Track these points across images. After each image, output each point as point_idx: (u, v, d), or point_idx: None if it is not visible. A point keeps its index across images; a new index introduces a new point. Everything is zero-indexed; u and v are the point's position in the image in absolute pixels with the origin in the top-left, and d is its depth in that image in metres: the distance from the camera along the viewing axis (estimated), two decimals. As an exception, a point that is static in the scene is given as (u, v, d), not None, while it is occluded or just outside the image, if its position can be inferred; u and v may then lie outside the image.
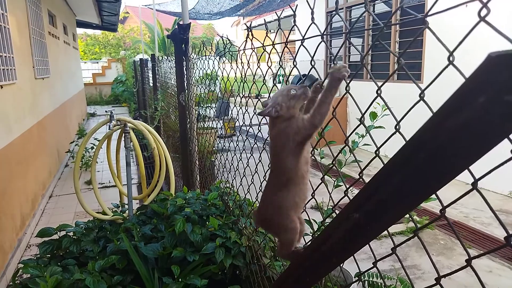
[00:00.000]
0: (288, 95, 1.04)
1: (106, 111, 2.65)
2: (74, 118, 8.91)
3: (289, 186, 1.09)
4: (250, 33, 1.66)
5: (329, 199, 1.65)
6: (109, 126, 2.50)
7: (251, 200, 2.14)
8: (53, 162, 5.84)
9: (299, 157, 1.05)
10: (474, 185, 0.66)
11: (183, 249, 1.86)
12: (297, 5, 1.43)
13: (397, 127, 0.82)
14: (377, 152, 0.89)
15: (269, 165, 1.18)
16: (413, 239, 1.80)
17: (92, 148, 5.80)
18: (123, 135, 2.56)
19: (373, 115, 1.88)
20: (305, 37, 1.20)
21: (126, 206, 2.58)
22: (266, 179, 1.68)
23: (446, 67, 0.64)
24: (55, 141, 6.16)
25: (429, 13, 0.64)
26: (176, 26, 3.05)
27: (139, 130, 2.56)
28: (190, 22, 3.16)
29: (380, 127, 1.92)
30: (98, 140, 3.82)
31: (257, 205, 2.06)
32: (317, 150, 2.09)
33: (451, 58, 0.63)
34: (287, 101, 1.03)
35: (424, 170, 0.70)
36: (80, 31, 17.80)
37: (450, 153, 0.64)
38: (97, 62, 18.95)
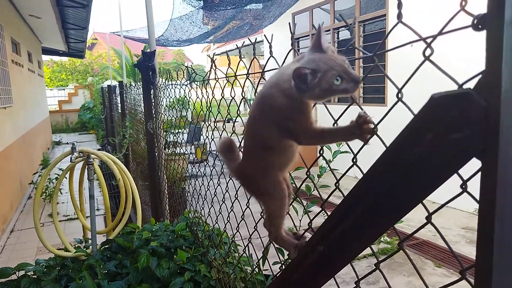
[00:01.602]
0: (333, 81, 0.78)
1: (67, 143, 2.57)
2: (38, 147, 8.59)
3: (272, 150, 0.96)
4: (213, 64, 1.67)
5: (300, 224, 1.64)
6: (71, 158, 2.41)
7: (220, 230, 2.10)
8: (15, 194, 5.57)
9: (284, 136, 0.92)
10: (428, 218, 0.67)
11: (149, 285, 1.78)
12: (266, 35, 1.45)
13: (354, 160, 0.82)
14: (337, 185, 0.89)
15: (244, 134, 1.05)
16: (383, 262, 1.81)
17: (57, 178, 5.59)
18: (86, 166, 2.47)
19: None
20: (264, 70, 1.21)
21: (90, 241, 2.46)
22: (233, 206, 1.66)
23: (395, 104, 0.66)
24: (18, 172, 5.90)
25: (377, 52, 0.67)
26: (142, 55, 3.03)
27: (103, 161, 2.49)
28: (155, 50, 3.15)
29: (345, 152, 1.95)
30: (62, 170, 3.69)
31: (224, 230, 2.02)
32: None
33: (399, 95, 0.65)
34: (329, 84, 0.78)
35: (381, 204, 0.70)
36: (46, 57, 17.43)
37: (404, 188, 0.65)
38: (64, 89, 18.53)
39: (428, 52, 0.58)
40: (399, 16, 0.63)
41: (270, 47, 1.17)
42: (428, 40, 0.58)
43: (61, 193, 5.25)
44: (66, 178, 2.84)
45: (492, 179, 0.48)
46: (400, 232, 4.27)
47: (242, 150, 1.09)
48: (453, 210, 4.83)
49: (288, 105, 0.85)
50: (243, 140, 1.12)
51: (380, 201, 0.69)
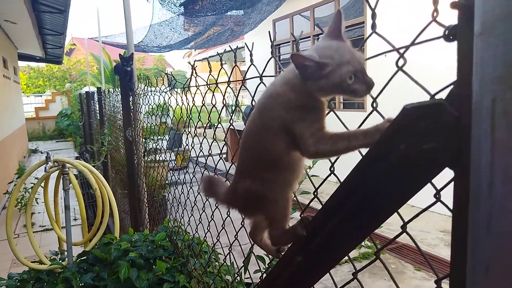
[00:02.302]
0: (345, 80, 0.68)
1: (41, 152, 2.49)
2: (14, 156, 8.34)
3: (277, 165, 0.84)
4: (193, 71, 1.65)
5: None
6: (45, 168, 2.35)
7: (200, 239, 2.07)
8: (-12, 204, 5.38)
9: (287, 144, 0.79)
10: (404, 228, 0.67)
11: (127, 297, 1.74)
12: (247, 41, 1.44)
13: (332, 168, 0.82)
14: (315, 193, 0.89)
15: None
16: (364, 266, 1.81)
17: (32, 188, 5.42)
18: (62, 176, 2.41)
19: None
20: (245, 78, 1.20)
21: (66, 253, 2.39)
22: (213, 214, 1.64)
23: (370, 113, 0.66)
24: (-9, 182, 5.71)
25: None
26: (119, 59, 2.99)
27: (79, 170, 2.43)
28: (133, 53, 3.11)
29: (315, 175, 1.96)
30: (38, 179, 3.59)
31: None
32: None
33: (374, 105, 0.65)
34: (340, 79, 0.68)
35: (357, 214, 0.70)
36: (22, 64, 17.03)
37: (380, 197, 0.65)
38: (41, 96, 18.11)
39: (401, 62, 0.59)
40: (373, 26, 0.64)
41: (251, 55, 1.17)
42: (401, 51, 0.58)
43: (37, 203, 5.10)
44: (41, 187, 2.76)
45: (464, 189, 0.48)
46: (380, 236, 4.30)
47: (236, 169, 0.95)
48: (432, 213, 4.92)
49: (298, 102, 0.74)
50: (237, 154, 1.03)
51: (357, 210, 0.69)
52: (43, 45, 10.04)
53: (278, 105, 0.77)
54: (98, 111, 6.07)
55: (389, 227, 4.02)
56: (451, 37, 0.49)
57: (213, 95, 1.53)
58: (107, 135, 5.05)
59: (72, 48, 23.66)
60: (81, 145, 10.88)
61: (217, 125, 1.55)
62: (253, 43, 1.14)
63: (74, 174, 2.68)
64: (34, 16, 6.83)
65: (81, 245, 2.83)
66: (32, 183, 5.15)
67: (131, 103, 3.12)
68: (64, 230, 2.59)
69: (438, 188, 0.59)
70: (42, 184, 2.68)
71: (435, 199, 0.59)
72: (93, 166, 5.67)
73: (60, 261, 2.30)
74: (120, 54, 3.01)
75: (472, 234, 0.47)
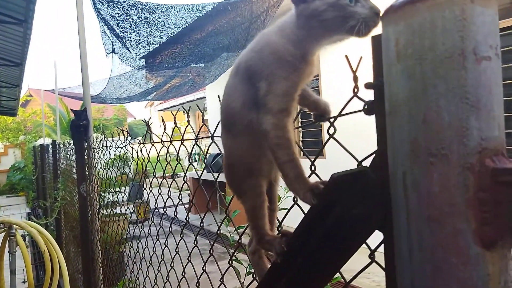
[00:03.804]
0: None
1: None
2: (-44, 214, 7.72)
3: (237, 130, 0.73)
4: (148, 128, 1.67)
5: (241, 284, 1.59)
6: (-11, 230, 2.20)
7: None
8: None
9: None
10: (372, 257, 0.66)
11: None
12: (208, 92, 1.48)
13: (295, 199, 0.82)
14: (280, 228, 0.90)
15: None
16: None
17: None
18: (8, 238, 2.26)
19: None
20: (197, 137, 1.23)
21: (9, 323, 2.19)
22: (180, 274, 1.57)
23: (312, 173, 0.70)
24: None
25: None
26: (72, 114, 2.95)
27: (28, 231, 2.29)
28: (85, 108, 3.08)
29: (284, 209, 1.98)
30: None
31: None
32: (228, 232, 2.06)
33: (312, 168, 0.69)
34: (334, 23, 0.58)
35: (305, 272, 0.71)
36: (-28, 115, 16.26)
37: (323, 256, 0.67)
38: (-8, 149, 17.22)
39: (331, 130, 0.63)
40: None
41: (203, 115, 1.20)
42: (331, 120, 0.63)
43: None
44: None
45: (391, 252, 0.51)
46: (341, 283, 4.27)
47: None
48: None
49: (281, 49, 0.63)
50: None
51: (302, 271, 0.70)
52: (-4, 97, 9.71)
53: (257, 44, 0.67)
54: (52, 165, 5.84)
55: (351, 274, 4.00)
56: (369, 112, 0.54)
57: (168, 147, 1.54)
58: (60, 190, 4.83)
59: (28, 99, 23.02)
60: (33, 200, 10.29)
61: (174, 175, 1.55)
62: (204, 104, 1.18)
63: (22, 235, 2.52)
64: (-12, 69, 6.67)
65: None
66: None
67: (86, 158, 3.04)
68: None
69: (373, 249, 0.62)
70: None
71: (369, 260, 0.62)
72: (46, 223, 5.35)
73: (1, 334, 2.10)
74: (71, 110, 2.98)
75: (401, 295, 0.49)
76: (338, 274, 0.73)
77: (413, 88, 0.43)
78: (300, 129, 6.65)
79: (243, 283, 1.34)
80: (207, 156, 8.01)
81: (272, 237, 0.78)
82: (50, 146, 5.97)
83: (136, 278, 2.02)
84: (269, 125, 0.62)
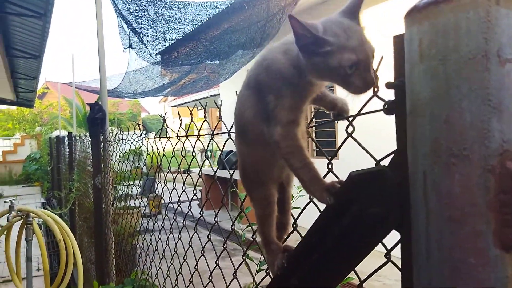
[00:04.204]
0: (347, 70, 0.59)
1: (5, 201, 2.41)
2: (-26, 202, 7.92)
3: (249, 139, 0.77)
4: (164, 123, 1.69)
5: (253, 281, 1.60)
6: (8, 217, 2.26)
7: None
8: None
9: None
10: (388, 256, 0.66)
11: None
12: (222, 90, 1.50)
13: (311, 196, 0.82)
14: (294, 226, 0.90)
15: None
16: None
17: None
18: (25, 226, 2.31)
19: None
20: (214, 133, 1.24)
21: (24, 309, 2.25)
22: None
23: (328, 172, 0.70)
24: None
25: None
26: (89, 112, 3.00)
27: (44, 220, 2.34)
28: (100, 103, 3.13)
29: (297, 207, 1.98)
30: (1, 227, 3.41)
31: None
32: (240, 230, 2.07)
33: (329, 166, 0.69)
34: (339, 64, 0.58)
35: (319, 270, 0.72)
36: (-9, 106, 16.67)
37: (339, 254, 0.67)
38: (9, 139, 17.60)
39: (350, 129, 0.64)
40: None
41: (220, 111, 1.22)
42: (350, 119, 0.64)
43: (-4, 253, 4.81)
44: (4, 234, 2.63)
45: (408, 252, 0.51)
46: (352, 285, 4.25)
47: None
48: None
49: (285, 70, 0.65)
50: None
51: (316, 268, 0.71)
52: (14, 88, 9.90)
53: (264, 60, 0.70)
54: (67, 156, 5.94)
55: (362, 277, 3.98)
56: (389, 111, 0.54)
57: (184, 142, 1.56)
58: (75, 181, 4.91)
59: (45, 92, 23.42)
60: (48, 191, 10.48)
61: (189, 170, 1.57)
62: (221, 100, 1.19)
63: (38, 224, 2.58)
64: (7, 61, 6.81)
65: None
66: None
67: (101, 150, 3.09)
68: (25, 282, 2.45)
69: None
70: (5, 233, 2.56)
71: (385, 259, 0.62)
72: (60, 213, 5.46)
73: (17, 319, 2.15)
74: (87, 104, 3.03)
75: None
76: (349, 275, 0.74)
77: (436, 89, 0.43)
78: (314, 129, 6.62)
79: (254, 278, 1.36)
80: (219, 153, 8.04)
81: (276, 247, 0.82)
82: (66, 138, 6.08)
83: (149, 270, 2.05)
84: (279, 136, 0.65)
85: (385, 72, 0.61)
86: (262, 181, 0.79)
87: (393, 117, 0.55)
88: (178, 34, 4.62)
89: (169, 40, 4.66)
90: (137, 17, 4.17)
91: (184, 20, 4.47)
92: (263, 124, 0.69)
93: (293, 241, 0.87)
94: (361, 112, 0.63)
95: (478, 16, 0.42)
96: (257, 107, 0.70)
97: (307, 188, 0.64)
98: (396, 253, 0.61)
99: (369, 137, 0.71)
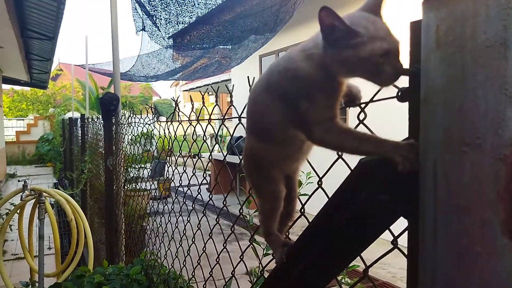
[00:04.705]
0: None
1: (19, 180, 2.45)
2: (-11, 180, 8.11)
3: (270, 140, 0.78)
4: (177, 107, 1.70)
5: (259, 265, 1.62)
6: (22, 196, 2.31)
7: (177, 273, 2.04)
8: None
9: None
10: (394, 243, 0.66)
11: (96, 334, 1.69)
12: (234, 74, 1.49)
13: (319, 182, 0.84)
14: (302, 211, 0.91)
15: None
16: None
17: (7, 214, 5.26)
18: (38, 205, 2.37)
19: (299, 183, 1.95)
20: (225, 117, 1.25)
21: (37, 284, 2.32)
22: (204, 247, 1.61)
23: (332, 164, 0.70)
24: (-37, 207, 5.50)
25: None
26: (104, 97, 3.02)
27: (56, 200, 2.39)
28: (119, 99, 3.13)
29: (305, 194, 1.99)
30: (14, 205, 3.49)
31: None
32: (247, 215, 2.09)
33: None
34: (370, 54, 0.58)
35: (325, 255, 0.73)
36: (6, 86, 16.87)
37: (345, 239, 0.68)
38: (23, 120, 17.87)
39: (362, 116, 0.63)
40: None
41: (231, 96, 1.22)
42: (362, 106, 0.63)
43: (10, 229, 4.94)
44: (17, 213, 2.70)
45: (415, 240, 0.52)
46: (359, 273, 4.29)
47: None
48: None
49: (310, 75, 0.65)
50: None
51: (322, 253, 0.71)
52: (29, 69, 10.01)
53: (287, 71, 0.69)
54: (80, 138, 6.02)
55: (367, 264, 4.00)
56: (402, 98, 0.54)
57: (195, 126, 1.57)
58: (87, 163, 4.99)
59: (58, 74, 23.60)
60: (60, 171, 10.66)
61: (199, 154, 1.58)
62: (233, 85, 1.19)
63: (51, 203, 2.64)
64: (22, 42, 6.86)
65: (54, 277, 2.74)
66: (7, 209, 5.01)
67: (113, 133, 3.12)
68: (37, 260, 2.52)
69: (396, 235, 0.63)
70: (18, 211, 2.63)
71: (392, 246, 0.62)
72: (72, 194, 5.56)
73: (30, 293, 2.23)
74: (102, 99, 3.02)
75: (422, 284, 0.50)
76: (353, 262, 0.74)
77: (452, 76, 0.43)
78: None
79: (261, 262, 1.38)
80: (229, 139, 8.06)
81: (276, 239, 0.84)
82: (79, 120, 6.15)
83: (158, 251, 2.09)
84: (320, 134, 0.65)
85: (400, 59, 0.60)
86: (273, 176, 0.80)
87: (406, 104, 0.55)
88: (191, 17, 4.59)
89: (182, 23, 4.64)
90: (151, 0, 4.15)
91: (198, 4, 4.44)
92: (290, 126, 0.70)
93: (300, 226, 0.88)
94: (374, 99, 0.62)
95: (499, 3, 0.41)
96: (281, 113, 0.70)
97: (379, 154, 0.58)
98: (402, 242, 0.61)
99: (381, 125, 0.70)
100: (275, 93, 0.71)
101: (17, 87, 19.37)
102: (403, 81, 0.55)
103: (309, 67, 0.65)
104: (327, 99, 0.65)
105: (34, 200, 2.48)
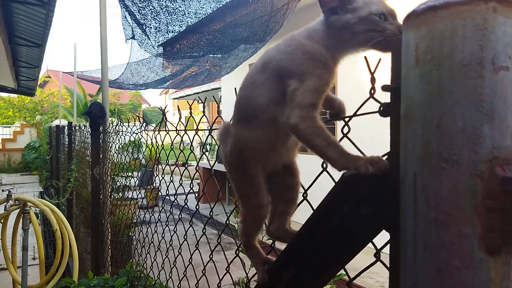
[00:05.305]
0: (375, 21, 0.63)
1: (3, 190, 2.41)
2: (-28, 188, 7.93)
3: (250, 121, 0.76)
4: (164, 117, 1.70)
5: (246, 276, 1.61)
6: (6, 206, 2.27)
7: (163, 285, 2.01)
8: None
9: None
10: (377, 256, 0.66)
11: None
12: (223, 83, 1.50)
13: (305, 195, 0.85)
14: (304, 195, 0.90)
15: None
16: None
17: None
18: (22, 215, 2.32)
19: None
20: (212, 128, 1.25)
21: (19, 297, 2.26)
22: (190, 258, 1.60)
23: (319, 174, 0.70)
24: None
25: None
26: (91, 109, 3.00)
27: (41, 210, 2.36)
28: (106, 113, 3.11)
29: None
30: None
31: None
32: (236, 223, 2.08)
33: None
34: (369, 13, 0.63)
35: (309, 267, 0.73)
36: (-8, 93, 16.63)
37: (329, 252, 0.68)
38: (9, 127, 17.61)
39: (346, 130, 0.64)
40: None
41: (218, 106, 1.22)
42: (346, 120, 0.64)
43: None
44: (0, 222, 2.64)
45: (397, 252, 0.52)
46: (345, 281, 4.31)
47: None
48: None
49: (310, 50, 0.66)
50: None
51: (307, 266, 0.72)
52: (16, 76, 9.88)
53: (288, 47, 0.70)
54: (67, 146, 5.95)
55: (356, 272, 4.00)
56: (384, 113, 0.55)
57: (182, 136, 1.56)
58: (74, 171, 4.92)
59: (46, 80, 23.36)
60: (46, 180, 10.50)
61: (186, 163, 1.57)
62: (220, 96, 1.20)
63: (36, 213, 2.59)
64: (10, 48, 6.79)
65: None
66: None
67: (101, 141, 3.10)
68: (20, 271, 2.46)
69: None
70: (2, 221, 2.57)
71: (375, 258, 0.63)
72: (57, 203, 5.46)
73: (11, 306, 2.17)
74: (89, 110, 3.00)
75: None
76: (341, 271, 0.75)
77: (430, 93, 0.44)
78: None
79: (247, 273, 1.37)
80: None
81: (257, 254, 0.82)
82: (66, 127, 6.08)
83: (144, 262, 2.06)
84: (298, 119, 0.64)
85: (382, 75, 0.62)
86: (257, 175, 0.78)
87: (388, 119, 0.56)
88: (181, 26, 4.60)
89: (172, 32, 4.65)
90: (141, 8, 4.16)
91: (188, 13, 4.46)
92: (278, 109, 0.68)
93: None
94: (357, 113, 0.63)
95: (475, 23, 0.42)
96: (273, 92, 0.69)
97: (337, 163, 0.60)
98: (387, 251, 0.62)
99: (364, 139, 0.71)
100: (270, 70, 0.71)
101: (3, 94, 19.10)
102: (386, 97, 0.57)
103: (312, 43, 0.67)
104: (320, 81, 0.65)
105: (18, 210, 2.43)
